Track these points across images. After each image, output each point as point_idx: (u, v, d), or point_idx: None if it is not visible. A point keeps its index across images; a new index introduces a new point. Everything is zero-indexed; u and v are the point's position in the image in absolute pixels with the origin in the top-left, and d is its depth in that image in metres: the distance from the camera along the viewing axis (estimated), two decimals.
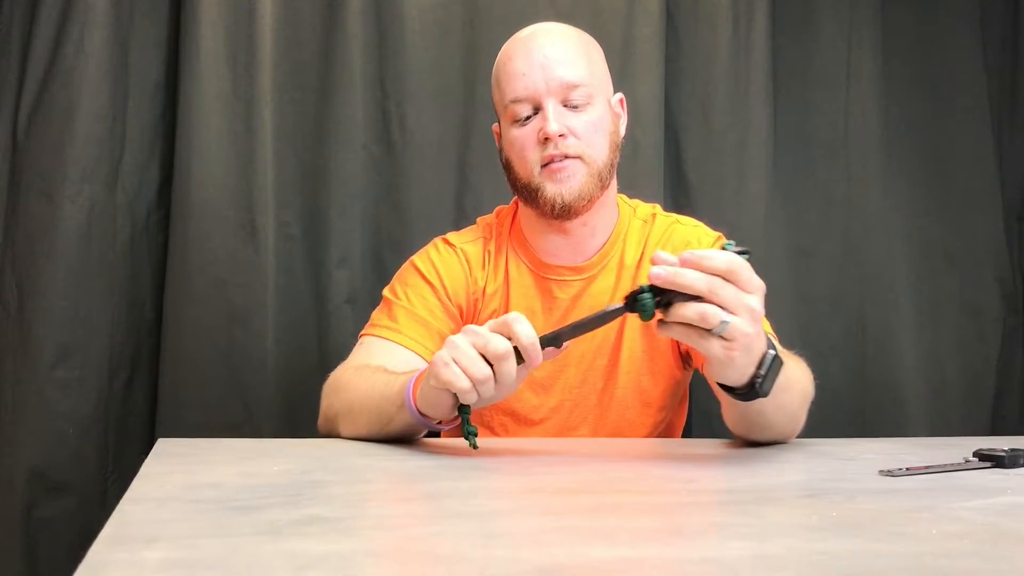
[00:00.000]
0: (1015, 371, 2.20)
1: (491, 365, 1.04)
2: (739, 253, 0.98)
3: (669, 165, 2.07)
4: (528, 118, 1.36)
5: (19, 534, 1.79)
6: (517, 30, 1.42)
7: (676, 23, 2.08)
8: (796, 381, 1.17)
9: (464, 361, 1.04)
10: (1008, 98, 2.22)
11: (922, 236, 2.16)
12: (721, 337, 0.96)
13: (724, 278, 0.95)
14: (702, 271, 0.95)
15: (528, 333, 1.03)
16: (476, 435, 1.11)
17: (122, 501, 0.79)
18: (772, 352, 1.03)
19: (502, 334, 1.04)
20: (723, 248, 0.98)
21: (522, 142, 1.36)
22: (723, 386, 1.06)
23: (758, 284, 0.98)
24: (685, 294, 0.96)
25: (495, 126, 1.45)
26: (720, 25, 2.07)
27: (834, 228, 2.13)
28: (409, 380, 1.15)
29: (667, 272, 0.96)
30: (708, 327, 0.96)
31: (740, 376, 1.03)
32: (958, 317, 2.17)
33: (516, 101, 1.36)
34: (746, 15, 2.08)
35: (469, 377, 1.03)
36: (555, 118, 1.33)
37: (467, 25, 2.00)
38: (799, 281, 2.12)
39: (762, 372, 1.02)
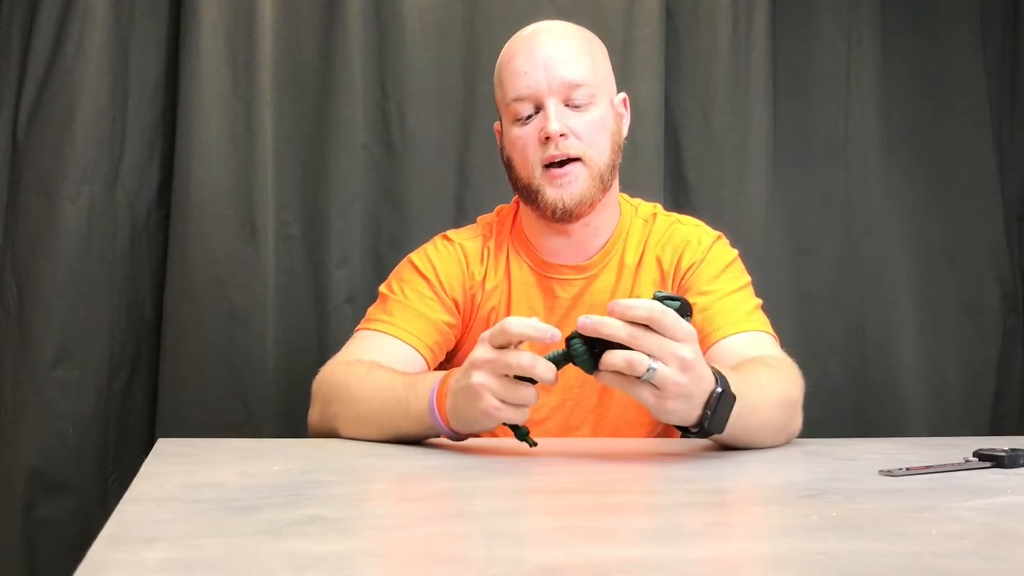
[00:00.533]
0: (1015, 371, 2.20)
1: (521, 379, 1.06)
2: (669, 301, 1.00)
3: (669, 165, 2.07)
4: (529, 117, 1.35)
5: (19, 534, 1.79)
6: (517, 30, 1.42)
7: (676, 23, 2.08)
8: (764, 401, 1.16)
9: (511, 397, 1.06)
10: (1008, 98, 2.22)
11: (922, 236, 2.16)
12: (652, 385, 0.99)
13: (646, 326, 0.98)
14: (625, 320, 0.98)
15: (526, 323, 1.05)
16: (529, 432, 1.12)
17: (122, 501, 0.79)
18: (719, 390, 1.04)
19: (505, 344, 1.05)
20: (654, 297, 1.00)
21: (523, 141, 1.36)
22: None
23: (687, 331, 1.00)
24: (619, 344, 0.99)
25: (496, 124, 1.45)
26: (720, 25, 2.07)
27: (834, 228, 2.13)
28: (430, 399, 1.15)
29: (592, 321, 1.00)
30: (636, 375, 0.98)
31: (684, 419, 1.04)
32: (958, 317, 2.17)
33: (518, 100, 1.35)
34: (746, 15, 2.08)
35: (522, 406, 1.07)
36: (556, 117, 1.33)
37: (467, 25, 2.00)
38: (799, 281, 2.12)
39: (709, 412, 1.03)
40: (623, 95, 1.45)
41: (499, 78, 1.40)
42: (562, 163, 1.34)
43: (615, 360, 0.99)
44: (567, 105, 1.34)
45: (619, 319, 0.98)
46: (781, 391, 1.21)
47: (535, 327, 1.04)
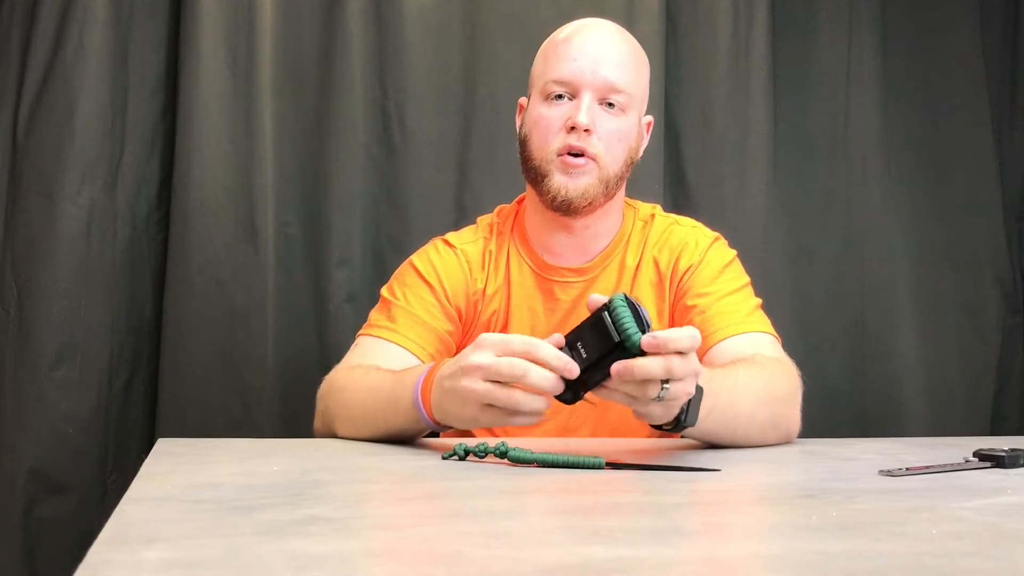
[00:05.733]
0: (1015, 371, 2.20)
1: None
2: (625, 302, 1.00)
3: (669, 165, 2.07)
4: (561, 99, 1.36)
5: (19, 534, 1.79)
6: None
7: (676, 23, 2.08)
8: (741, 398, 1.18)
9: (506, 403, 1.06)
10: (1008, 98, 2.21)
11: (922, 236, 2.16)
12: (659, 399, 1.01)
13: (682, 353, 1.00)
14: (667, 353, 0.98)
15: (556, 354, 1.04)
16: (508, 449, 1.12)
17: (122, 501, 0.80)
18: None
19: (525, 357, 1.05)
20: (612, 304, 1.00)
21: (547, 122, 1.37)
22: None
23: (689, 337, 1.01)
24: (599, 363, 1.01)
25: (522, 100, 1.46)
26: (720, 25, 2.07)
27: (834, 228, 2.13)
28: (415, 391, 1.15)
29: (624, 368, 0.99)
30: (650, 397, 1.00)
31: (667, 418, 1.07)
32: (958, 317, 2.17)
33: (557, 81, 1.37)
34: (746, 15, 2.08)
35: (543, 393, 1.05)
36: (587, 111, 1.34)
37: (467, 25, 2.00)
38: (799, 281, 2.11)
39: (684, 408, 1.06)
40: (650, 118, 1.46)
41: (544, 54, 1.41)
42: (577, 155, 1.35)
43: (628, 390, 1.01)
44: (600, 104, 1.36)
45: (658, 352, 0.98)
46: (762, 387, 1.21)
47: (560, 358, 1.03)
